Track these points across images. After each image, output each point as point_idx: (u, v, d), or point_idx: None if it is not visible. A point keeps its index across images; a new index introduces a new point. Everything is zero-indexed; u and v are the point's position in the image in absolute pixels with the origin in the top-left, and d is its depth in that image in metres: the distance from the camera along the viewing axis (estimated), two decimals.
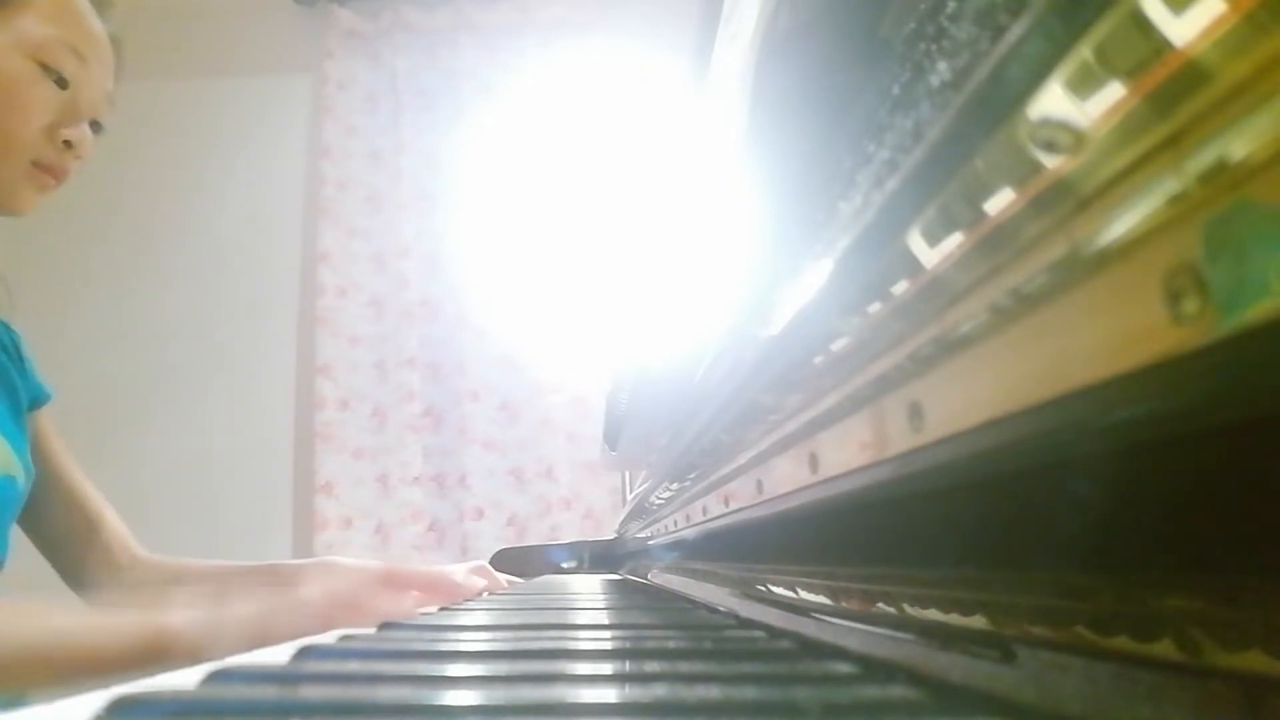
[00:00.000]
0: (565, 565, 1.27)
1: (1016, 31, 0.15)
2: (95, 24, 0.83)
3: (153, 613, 0.60)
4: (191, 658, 0.62)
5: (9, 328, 0.90)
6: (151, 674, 0.26)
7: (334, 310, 2.16)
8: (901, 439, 0.21)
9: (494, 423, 2.10)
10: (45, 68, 0.78)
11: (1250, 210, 0.11)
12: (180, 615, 0.59)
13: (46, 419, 0.91)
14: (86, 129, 0.83)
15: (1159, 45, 0.12)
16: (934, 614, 0.23)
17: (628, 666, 0.29)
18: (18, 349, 0.90)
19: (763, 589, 0.41)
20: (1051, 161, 0.14)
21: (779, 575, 0.39)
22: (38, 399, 0.90)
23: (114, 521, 0.91)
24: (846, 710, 0.20)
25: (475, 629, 0.44)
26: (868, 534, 0.28)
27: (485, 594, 0.88)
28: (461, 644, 0.36)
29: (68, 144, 0.80)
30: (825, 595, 0.32)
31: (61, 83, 0.79)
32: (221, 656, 0.61)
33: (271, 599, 0.60)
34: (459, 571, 0.85)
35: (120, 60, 0.86)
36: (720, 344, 0.42)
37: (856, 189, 0.22)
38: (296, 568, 0.84)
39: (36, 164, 0.79)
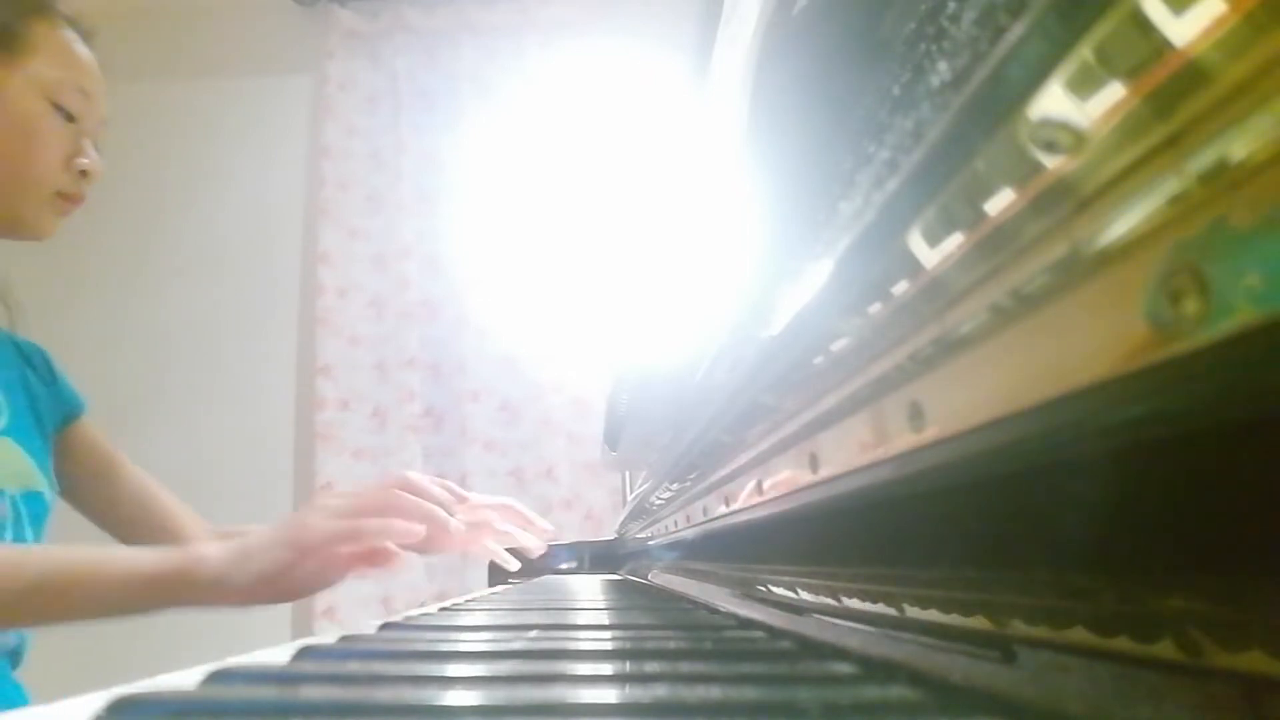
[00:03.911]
0: (565, 566, 1.27)
1: (1016, 31, 0.15)
2: (89, 56, 0.88)
3: (180, 546, 0.65)
4: (218, 583, 0.63)
5: (38, 346, 0.94)
6: (150, 675, 0.26)
7: (334, 310, 2.16)
8: (901, 439, 0.21)
9: (494, 423, 2.10)
10: (57, 107, 0.83)
11: (1250, 210, 0.11)
12: (206, 546, 0.64)
13: (90, 427, 0.96)
14: (95, 154, 0.88)
15: (1159, 45, 0.12)
16: (934, 614, 0.23)
17: (628, 667, 0.29)
18: (49, 367, 0.95)
19: (763, 589, 0.41)
20: (1051, 161, 0.14)
21: (779, 575, 0.39)
22: (72, 413, 0.95)
23: (176, 505, 0.99)
24: (847, 710, 0.20)
25: (475, 629, 0.44)
26: (868, 534, 0.28)
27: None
28: (462, 644, 0.36)
29: (83, 172, 0.86)
30: (825, 595, 0.32)
31: (69, 117, 0.85)
32: (249, 582, 0.62)
33: (289, 522, 0.63)
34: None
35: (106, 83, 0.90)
36: (721, 344, 0.42)
37: (857, 189, 0.22)
38: None
39: (57, 194, 0.85)
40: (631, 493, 1.33)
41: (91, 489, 0.94)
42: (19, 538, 0.80)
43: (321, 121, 2.25)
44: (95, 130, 0.88)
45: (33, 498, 0.83)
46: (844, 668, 0.27)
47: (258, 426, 2.16)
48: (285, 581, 0.62)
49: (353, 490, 0.65)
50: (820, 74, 0.31)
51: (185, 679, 0.25)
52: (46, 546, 0.66)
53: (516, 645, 0.34)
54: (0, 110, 0.80)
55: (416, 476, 0.67)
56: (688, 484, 0.59)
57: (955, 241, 0.17)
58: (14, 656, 0.86)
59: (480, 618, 0.51)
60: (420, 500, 0.64)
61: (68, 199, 0.86)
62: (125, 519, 0.95)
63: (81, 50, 0.87)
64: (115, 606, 0.62)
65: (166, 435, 2.08)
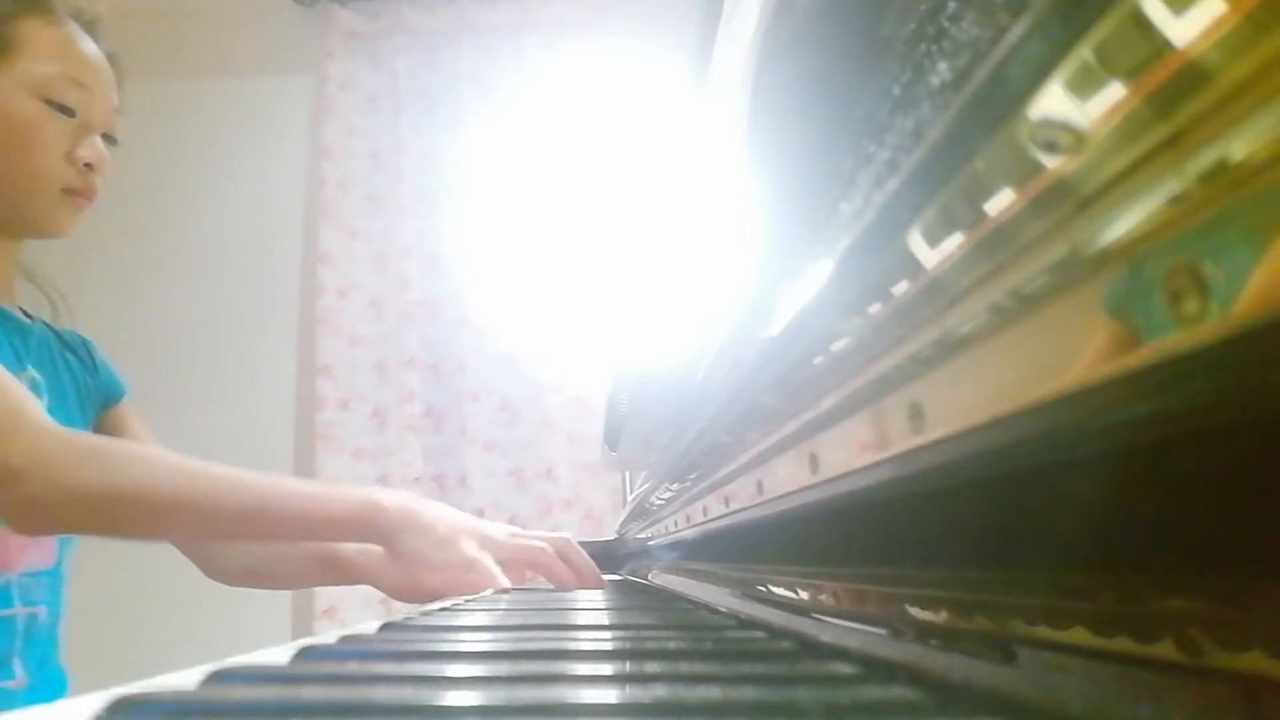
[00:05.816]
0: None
1: (1016, 31, 0.15)
2: (89, 47, 0.87)
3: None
4: (393, 527, 0.74)
5: (78, 335, 0.96)
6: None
7: (334, 310, 2.16)
8: (901, 439, 0.21)
9: (494, 423, 2.11)
10: (50, 103, 0.83)
11: (1250, 210, 0.11)
12: (391, 493, 0.75)
13: (129, 411, 1.01)
14: (101, 146, 0.87)
15: (1159, 45, 0.12)
16: (934, 614, 0.23)
17: (628, 667, 0.29)
18: (90, 353, 0.97)
19: (763, 589, 0.41)
20: (1051, 162, 0.14)
21: (779, 575, 0.39)
22: (112, 396, 0.98)
23: None
24: (847, 711, 0.20)
25: (475, 629, 0.44)
26: (868, 534, 0.28)
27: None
28: (462, 644, 0.36)
29: (88, 165, 0.85)
30: (825, 595, 0.32)
31: (67, 111, 0.84)
32: (416, 538, 0.74)
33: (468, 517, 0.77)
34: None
35: (120, 73, 0.89)
36: (721, 344, 0.42)
37: (857, 189, 0.22)
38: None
39: (65, 190, 0.85)
40: (631, 493, 1.33)
41: None
42: None
43: (321, 121, 2.25)
44: (105, 121, 0.87)
45: None
46: (844, 668, 0.27)
47: (258, 426, 2.16)
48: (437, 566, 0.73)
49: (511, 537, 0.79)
50: (820, 74, 0.31)
51: (185, 679, 0.25)
52: (254, 475, 0.73)
53: (516, 645, 0.34)
54: None
55: (575, 545, 0.82)
56: (688, 484, 0.59)
57: (955, 241, 0.17)
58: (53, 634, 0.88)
59: (480, 618, 0.51)
60: (565, 568, 0.78)
61: (77, 194, 0.86)
62: None
63: (77, 42, 0.85)
64: (305, 536, 0.74)
65: (166, 435, 2.08)
